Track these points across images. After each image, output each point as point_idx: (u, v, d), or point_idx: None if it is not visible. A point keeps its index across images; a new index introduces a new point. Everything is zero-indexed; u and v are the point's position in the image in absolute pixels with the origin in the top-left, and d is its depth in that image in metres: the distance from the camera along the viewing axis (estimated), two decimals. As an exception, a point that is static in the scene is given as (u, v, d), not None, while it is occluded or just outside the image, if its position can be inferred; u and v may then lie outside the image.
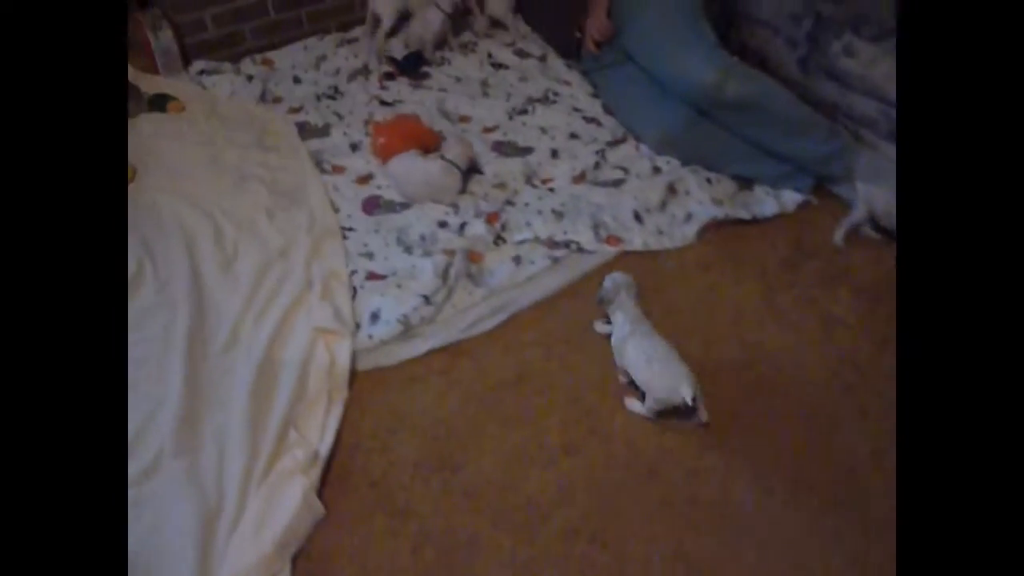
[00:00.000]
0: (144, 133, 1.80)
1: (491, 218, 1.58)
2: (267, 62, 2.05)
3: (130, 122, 1.82)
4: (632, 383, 1.28)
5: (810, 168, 1.68)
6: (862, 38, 1.59)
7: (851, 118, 1.70)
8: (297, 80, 2.00)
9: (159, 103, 1.85)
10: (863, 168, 1.65)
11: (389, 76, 2.02)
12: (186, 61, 1.98)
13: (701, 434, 1.25)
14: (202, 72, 1.98)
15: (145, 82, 1.92)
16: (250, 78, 1.97)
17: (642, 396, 1.25)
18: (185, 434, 1.19)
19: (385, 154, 1.69)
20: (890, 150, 1.65)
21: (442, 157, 1.63)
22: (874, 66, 1.58)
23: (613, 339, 1.31)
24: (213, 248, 1.51)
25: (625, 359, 1.27)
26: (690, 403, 1.18)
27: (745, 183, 1.72)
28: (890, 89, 1.57)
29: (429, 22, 2.02)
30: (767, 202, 1.68)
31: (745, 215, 1.64)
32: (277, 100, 1.93)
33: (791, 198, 1.69)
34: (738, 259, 1.58)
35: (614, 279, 1.34)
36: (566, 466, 1.21)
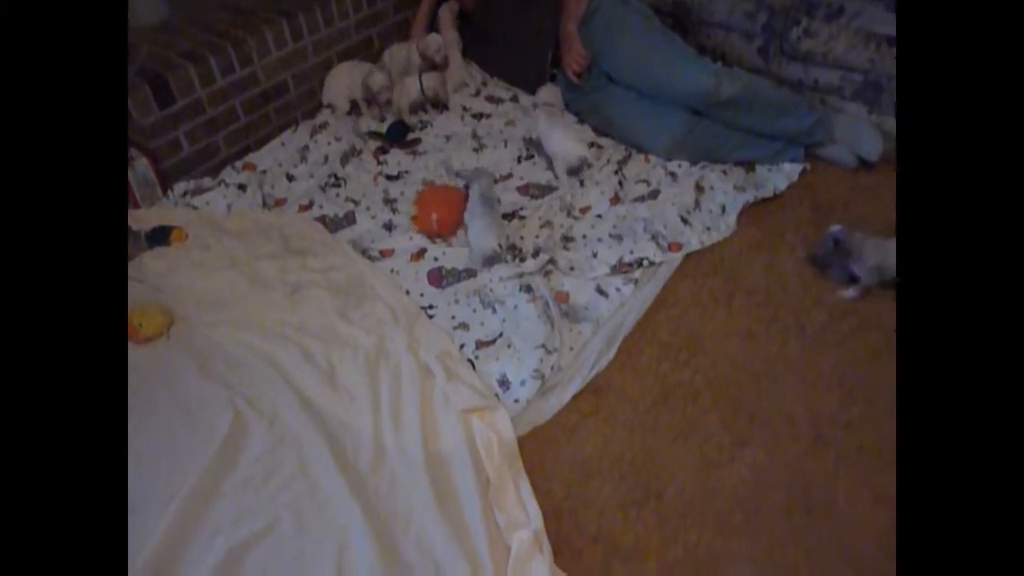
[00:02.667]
0: (157, 272, 1.65)
1: (560, 297, 1.57)
2: (249, 167, 1.95)
3: (133, 265, 1.66)
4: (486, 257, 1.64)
5: (798, 140, 1.90)
6: (817, 20, 1.84)
7: (816, 89, 1.95)
8: (291, 177, 1.92)
9: (158, 237, 1.70)
10: (840, 128, 1.89)
11: (381, 150, 2.00)
12: (163, 186, 1.84)
13: (835, 391, 1.39)
14: (186, 193, 1.84)
15: (130, 219, 1.76)
16: (242, 187, 1.87)
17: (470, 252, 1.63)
18: (390, 557, 1.13)
19: (443, 229, 1.68)
20: (855, 109, 1.91)
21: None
22: (834, 42, 1.83)
23: (469, 210, 1.67)
24: (307, 368, 1.42)
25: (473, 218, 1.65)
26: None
27: (748, 166, 1.91)
28: (850, 59, 1.83)
29: (407, 90, 2.03)
30: (775, 178, 1.87)
31: (768, 193, 1.82)
32: (281, 202, 1.85)
33: (791, 168, 1.90)
34: (777, 232, 1.75)
35: (470, 172, 1.81)
36: (748, 457, 1.29)
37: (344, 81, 2.11)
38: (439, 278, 1.62)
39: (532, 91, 2.19)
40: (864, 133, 1.87)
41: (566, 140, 1.81)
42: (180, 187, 1.85)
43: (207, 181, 1.89)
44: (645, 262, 1.63)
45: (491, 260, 1.59)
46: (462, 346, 1.46)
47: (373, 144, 2.03)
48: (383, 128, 2.07)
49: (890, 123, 1.87)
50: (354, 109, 2.14)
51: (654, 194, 1.80)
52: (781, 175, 1.87)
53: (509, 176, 1.91)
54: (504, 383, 1.39)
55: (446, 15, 2.26)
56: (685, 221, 1.72)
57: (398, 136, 2.03)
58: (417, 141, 2.04)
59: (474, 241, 1.61)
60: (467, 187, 1.73)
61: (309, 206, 1.83)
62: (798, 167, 1.90)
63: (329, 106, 2.15)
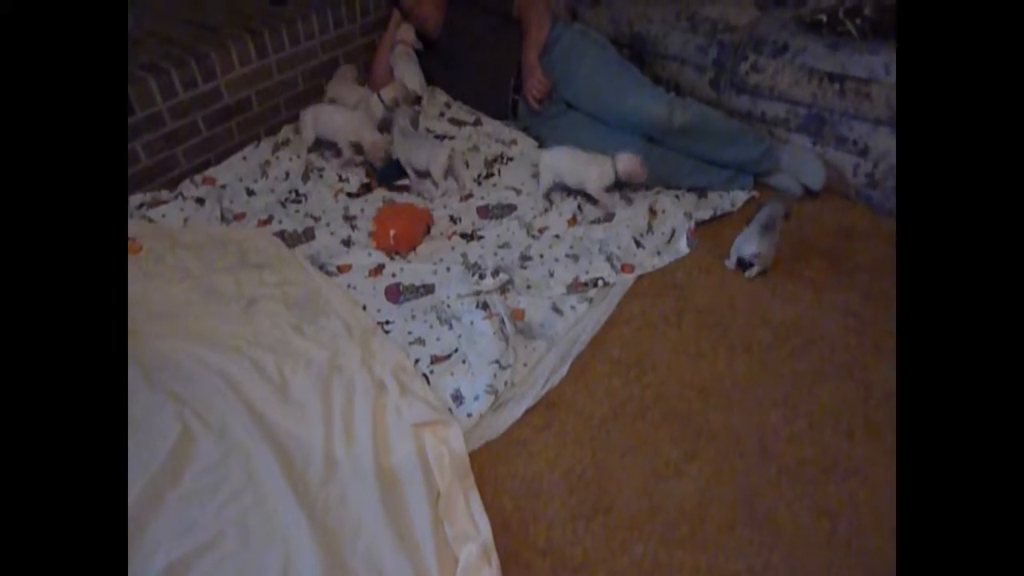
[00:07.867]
0: (107, 284, 1.62)
1: (516, 315, 1.59)
2: (209, 180, 1.94)
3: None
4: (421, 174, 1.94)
5: (748, 168, 1.99)
6: (764, 56, 1.94)
7: (764, 121, 2.05)
8: (251, 192, 1.92)
9: (111, 248, 1.68)
10: (786, 158, 1.99)
11: (366, 187, 1.97)
12: (118, 198, 1.82)
13: (780, 408, 1.44)
14: (142, 205, 1.82)
15: (82, 230, 1.72)
16: (200, 200, 1.86)
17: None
18: (337, 571, 1.11)
19: (400, 245, 1.70)
20: (800, 140, 2.02)
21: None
22: (779, 76, 1.93)
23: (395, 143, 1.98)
24: (259, 381, 1.41)
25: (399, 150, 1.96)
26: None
27: (700, 192, 1.99)
28: (794, 93, 1.93)
29: (373, 112, 2.05)
30: (724, 204, 1.95)
31: (708, 215, 1.89)
32: (240, 216, 1.84)
33: (740, 196, 1.98)
34: (726, 256, 1.82)
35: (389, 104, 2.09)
36: (694, 471, 1.32)
37: (338, 123, 2.00)
38: (396, 294, 1.64)
39: (495, 116, 2.24)
40: (808, 163, 1.96)
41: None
42: (136, 199, 1.83)
43: (164, 194, 1.87)
44: (600, 282, 1.67)
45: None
46: (417, 361, 1.47)
47: (362, 179, 1.99)
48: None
49: (832, 154, 1.97)
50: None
51: (609, 217, 1.86)
52: (728, 202, 1.95)
53: (469, 196, 1.94)
54: (458, 398, 1.40)
55: (406, 34, 2.27)
56: (638, 244, 1.77)
57: (391, 177, 1.99)
58: (407, 187, 1.99)
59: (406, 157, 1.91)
60: (388, 111, 2.02)
61: (268, 221, 1.83)
62: (745, 195, 1.98)
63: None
